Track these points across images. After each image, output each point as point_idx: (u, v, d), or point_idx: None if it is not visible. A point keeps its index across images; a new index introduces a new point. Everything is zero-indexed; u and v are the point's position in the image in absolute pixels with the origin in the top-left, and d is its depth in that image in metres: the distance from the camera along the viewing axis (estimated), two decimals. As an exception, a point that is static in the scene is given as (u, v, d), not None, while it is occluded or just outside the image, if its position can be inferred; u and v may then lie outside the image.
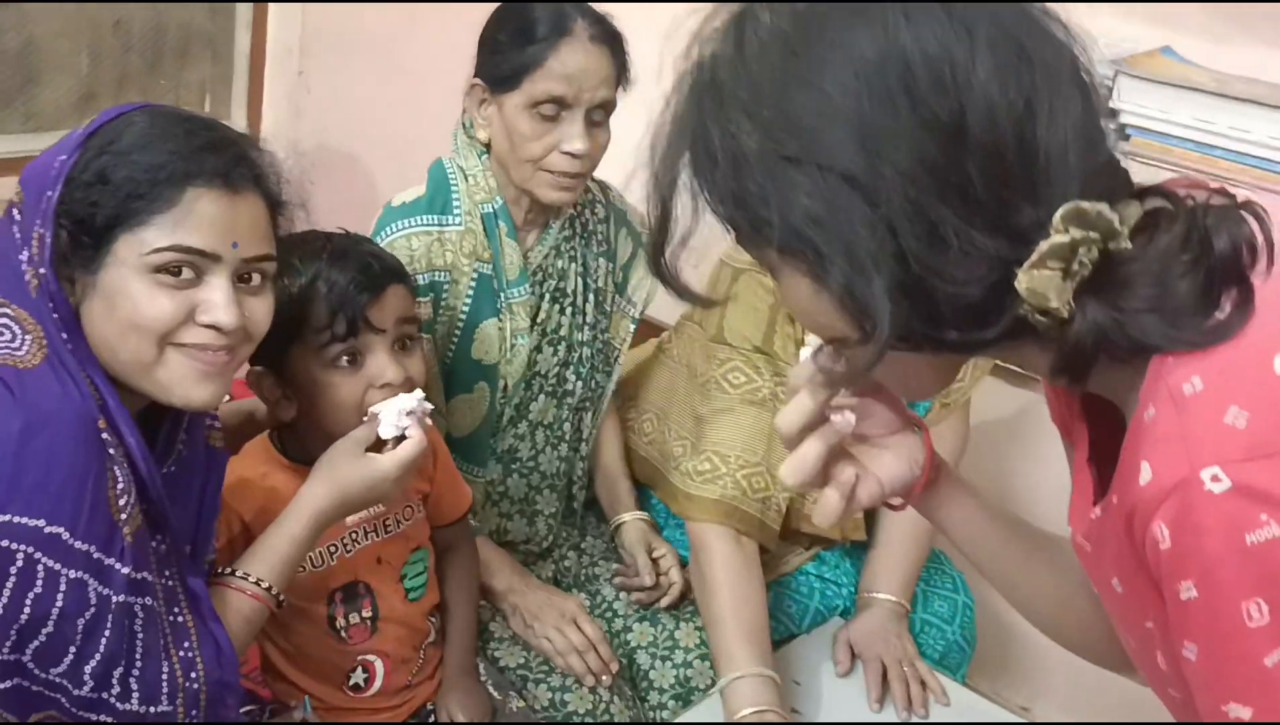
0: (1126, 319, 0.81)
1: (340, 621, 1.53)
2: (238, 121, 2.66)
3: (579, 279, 1.84)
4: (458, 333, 1.75)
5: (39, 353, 1.12)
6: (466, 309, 1.75)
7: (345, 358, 1.42)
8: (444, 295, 1.73)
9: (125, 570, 1.11)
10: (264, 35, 2.63)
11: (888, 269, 0.80)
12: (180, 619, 1.20)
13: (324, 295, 1.40)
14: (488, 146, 1.74)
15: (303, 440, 1.49)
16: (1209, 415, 0.78)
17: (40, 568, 1.06)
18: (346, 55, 2.64)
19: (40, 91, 2.33)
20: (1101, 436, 0.94)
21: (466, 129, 1.77)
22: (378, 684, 1.57)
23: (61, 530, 1.07)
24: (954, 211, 0.79)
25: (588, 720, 1.66)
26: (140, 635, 1.13)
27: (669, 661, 1.78)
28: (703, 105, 0.86)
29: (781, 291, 0.90)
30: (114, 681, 1.12)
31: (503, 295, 1.76)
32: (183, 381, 1.17)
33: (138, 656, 1.13)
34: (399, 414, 1.39)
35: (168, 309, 1.14)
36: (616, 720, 1.67)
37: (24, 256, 1.14)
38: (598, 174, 1.79)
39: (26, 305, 1.14)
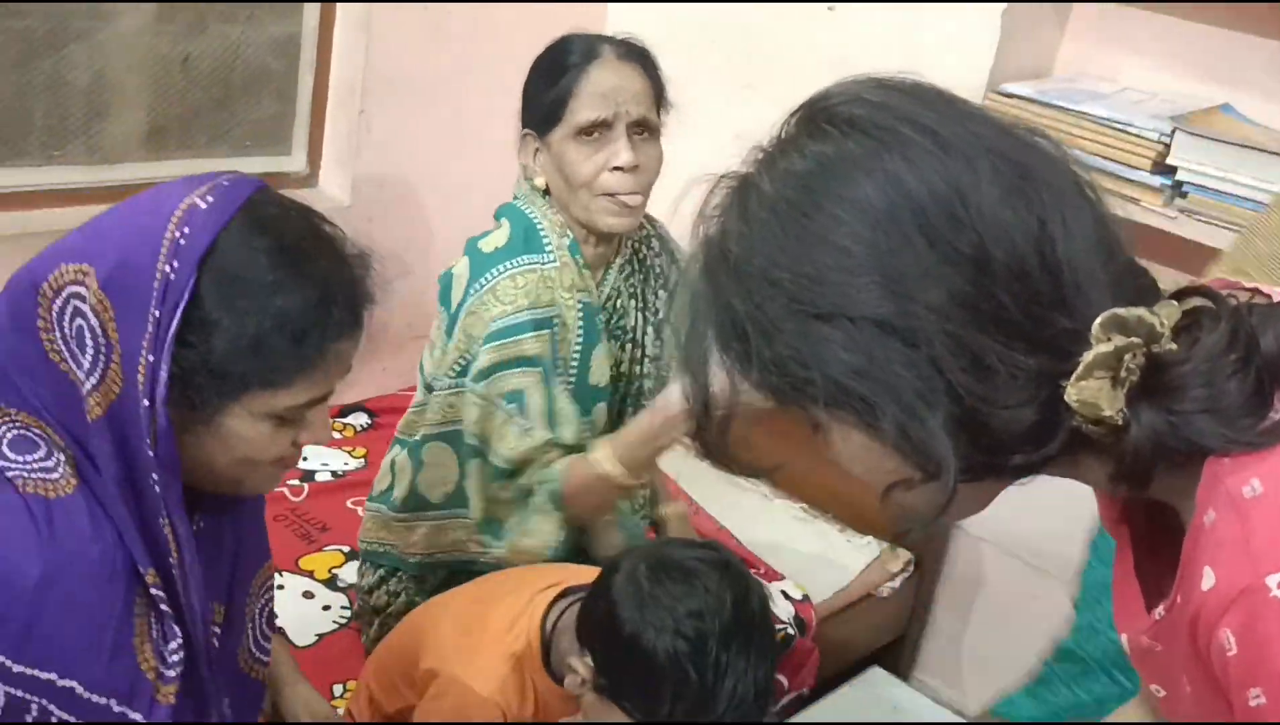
0: (1181, 422, 0.80)
1: None
2: (298, 159, 2.71)
3: (639, 314, 1.87)
4: (574, 364, 1.78)
5: (72, 479, 1.05)
6: (580, 340, 1.78)
7: None
8: (555, 329, 1.74)
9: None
10: (327, 75, 2.68)
11: (939, 405, 0.80)
12: None
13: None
14: (546, 192, 1.78)
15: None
16: (1272, 519, 0.77)
17: (54, 719, 1.03)
18: (407, 95, 2.68)
19: (107, 125, 2.39)
20: (1154, 536, 0.93)
21: (527, 181, 1.80)
22: None
23: (75, 685, 1.03)
24: (992, 338, 0.80)
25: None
26: None
27: None
28: (720, 281, 0.86)
29: (834, 448, 0.89)
30: None
31: (598, 318, 1.80)
32: (267, 482, 1.19)
33: None
34: None
35: (282, 445, 1.12)
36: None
37: (86, 372, 1.03)
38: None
39: (68, 425, 1.06)
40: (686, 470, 2.61)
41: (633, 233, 1.84)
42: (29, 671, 1.01)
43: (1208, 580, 0.79)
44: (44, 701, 1.02)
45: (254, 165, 2.65)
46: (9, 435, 1.06)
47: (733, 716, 1.33)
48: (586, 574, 1.55)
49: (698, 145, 2.62)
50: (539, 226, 1.78)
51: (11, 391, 1.07)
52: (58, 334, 1.04)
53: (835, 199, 0.82)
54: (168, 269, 1.02)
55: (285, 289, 1.05)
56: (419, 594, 1.83)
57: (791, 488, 2.52)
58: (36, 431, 1.06)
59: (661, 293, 1.90)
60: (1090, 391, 0.79)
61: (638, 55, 1.74)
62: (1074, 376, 0.79)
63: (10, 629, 1.01)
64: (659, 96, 1.75)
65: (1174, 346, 0.80)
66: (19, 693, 1.01)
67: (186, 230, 1.03)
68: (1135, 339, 0.79)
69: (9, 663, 1.01)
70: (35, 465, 1.04)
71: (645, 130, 1.73)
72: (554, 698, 1.49)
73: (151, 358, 1.02)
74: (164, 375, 1.02)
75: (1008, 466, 0.84)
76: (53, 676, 1.02)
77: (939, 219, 0.80)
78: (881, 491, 0.89)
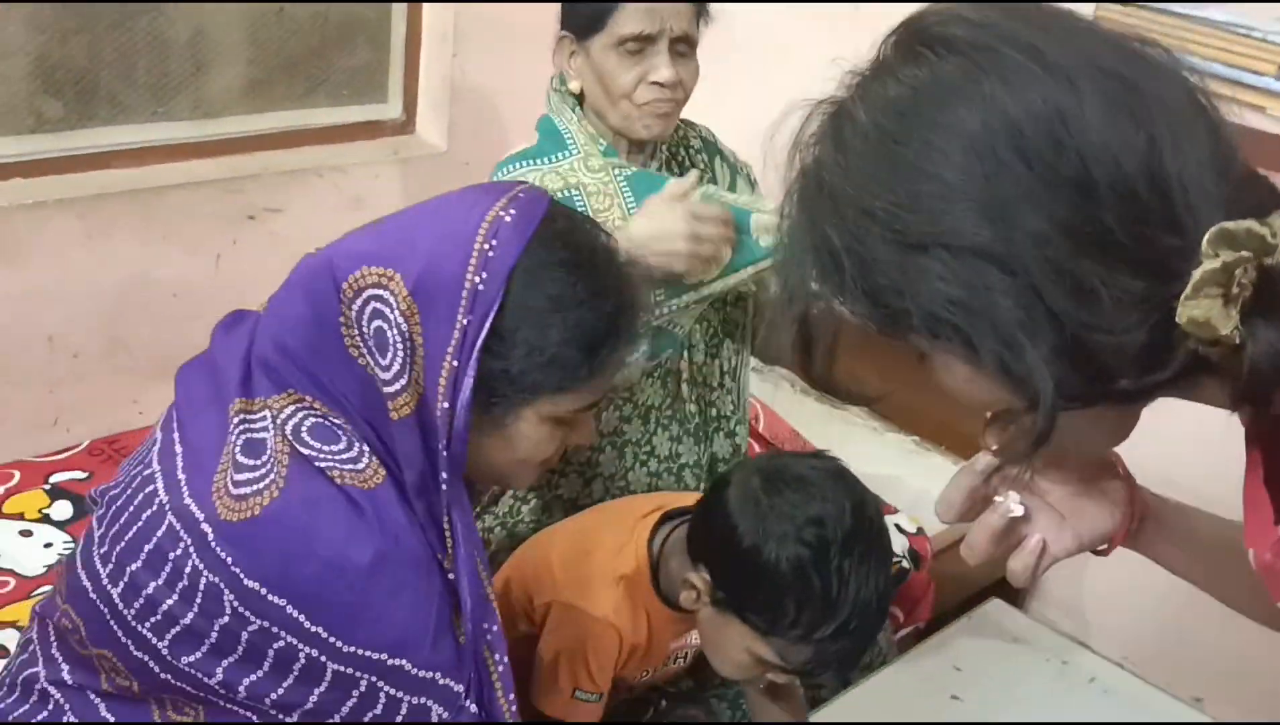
0: None
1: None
2: (394, 106, 2.72)
3: None
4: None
5: (379, 471, 1.08)
6: (631, 204, 1.72)
7: None
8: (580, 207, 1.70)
9: (470, 706, 1.11)
10: (419, 20, 2.68)
11: (1041, 334, 0.77)
12: None
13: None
14: (579, 98, 1.77)
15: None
16: None
17: (382, 694, 1.07)
18: (499, 38, 2.67)
19: (208, 79, 2.42)
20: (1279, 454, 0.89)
21: (558, 86, 1.79)
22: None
23: (404, 662, 1.06)
24: (1096, 261, 0.76)
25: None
26: None
27: None
28: (817, 212, 0.84)
29: (937, 375, 0.87)
30: None
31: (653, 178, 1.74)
32: (531, 478, 1.23)
33: None
34: None
35: (556, 445, 1.17)
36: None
37: (394, 374, 1.06)
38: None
39: (369, 419, 1.09)
40: (794, 404, 2.59)
41: (668, 138, 1.82)
42: (360, 651, 1.05)
43: None
44: (373, 678, 1.06)
45: (352, 114, 2.67)
46: (308, 422, 1.09)
47: (856, 623, 1.33)
48: (686, 499, 1.56)
49: (796, 68, 2.59)
50: (566, 135, 1.77)
51: (308, 380, 1.10)
52: (356, 334, 1.08)
53: (931, 125, 0.79)
54: (477, 280, 1.06)
55: (583, 303, 1.10)
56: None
57: (899, 415, 2.48)
58: (335, 421, 1.09)
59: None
60: (1202, 310, 0.75)
61: None
62: (1183, 296, 0.76)
63: (339, 612, 1.04)
64: (701, 11, 1.74)
65: None
66: (348, 669, 1.05)
67: (494, 243, 1.07)
68: (1245, 252, 0.75)
69: (341, 644, 1.04)
70: (342, 456, 1.08)
71: (686, 44, 1.72)
72: (664, 620, 1.50)
73: (456, 363, 1.06)
74: (469, 381, 1.06)
75: (1120, 392, 0.81)
76: (384, 656, 1.06)
77: (1038, 142, 0.76)
78: (988, 420, 0.87)
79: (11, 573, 1.91)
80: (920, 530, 2.18)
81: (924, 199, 0.79)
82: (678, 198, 1.59)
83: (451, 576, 1.11)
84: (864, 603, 1.33)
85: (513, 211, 1.09)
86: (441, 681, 1.08)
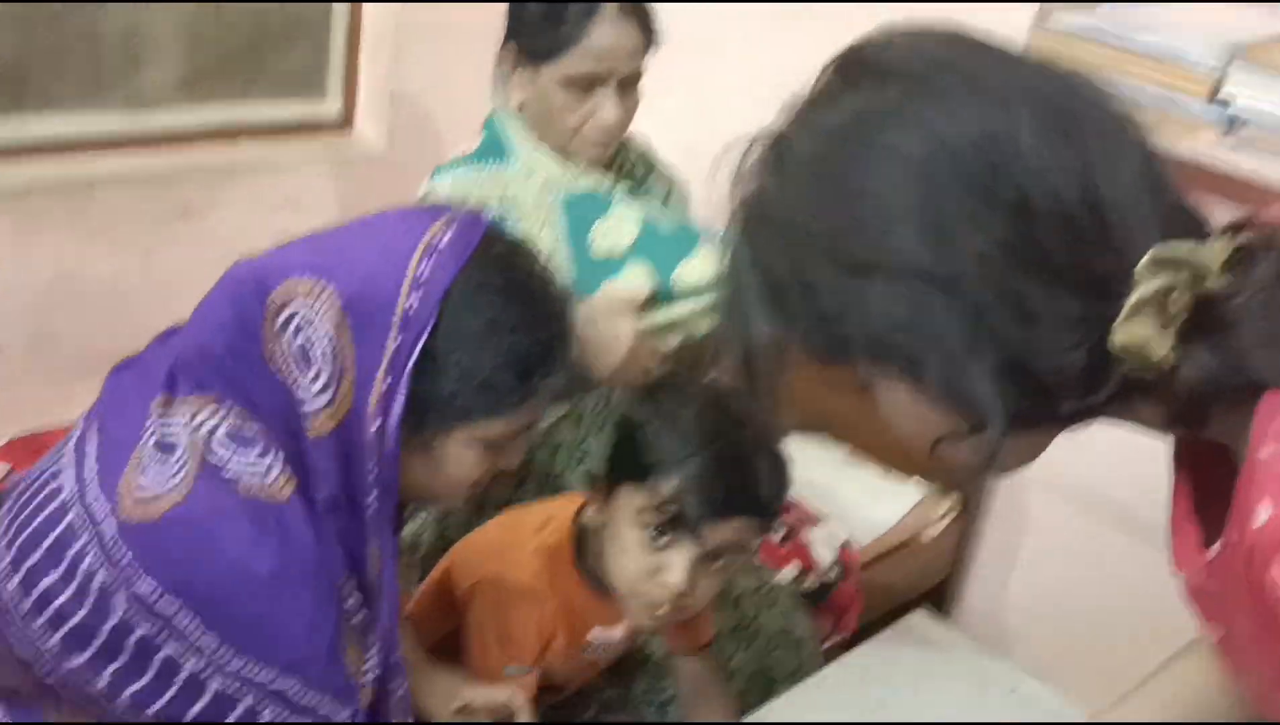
0: (1234, 357, 0.78)
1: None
2: (333, 106, 2.70)
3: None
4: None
5: (289, 484, 1.07)
6: (564, 227, 1.71)
7: (654, 532, 1.36)
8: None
9: None
10: (360, 20, 2.66)
11: (984, 355, 0.79)
12: None
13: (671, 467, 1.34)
14: (520, 108, 1.77)
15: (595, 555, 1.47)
16: None
17: (263, 716, 1.05)
18: (442, 41, 2.66)
19: (143, 74, 2.38)
20: (1207, 479, 0.91)
21: (498, 90, 1.79)
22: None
23: (293, 684, 1.04)
24: (1036, 283, 0.78)
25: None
26: None
27: (751, 648, 1.77)
28: (758, 241, 0.85)
29: (879, 406, 0.87)
30: None
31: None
32: (459, 499, 1.21)
33: None
34: None
35: (485, 468, 1.16)
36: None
37: (317, 390, 1.05)
38: None
39: (283, 431, 1.07)
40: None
41: None
42: (246, 669, 1.03)
43: (1261, 517, 0.76)
44: (255, 698, 1.03)
45: (290, 111, 2.64)
46: (223, 427, 1.07)
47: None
48: None
49: (737, 77, 2.61)
50: (509, 144, 1.75)
51: (227, 385, 1.08)
52: (278, 346, 1.06)
53: (870, 150, 0.80)
54: (411, 302, 1.05)
55: (517, 329, 1.10)
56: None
57: (839, 443, 2.50)
58: (251, 429, 1.07)
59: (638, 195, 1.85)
60: (1138, 333, 0.77)
61: (637, 11, 1.72)
62: (1119, 319, 0.77)
63: (234, 623, 1.02)
64: (649, 44, 1.74)
65: (1223, 282, 0.78)
66: (230, 687, 1.03)
67: (428, 265, 1.06)
68: (1181, 275, 0.76)
69: (228, 658, 1.02)
70: (252, 467, 1.06)
71: (632, 80, 1.73)
72: (585, 600, 1.47)
73: (388, 383, 1.04)
74: (400, 401, 1.05)
75: (1058, 414, 0.82)
76: (273, 675, 1.03)
77: (976, 166, 0.78)
78: (929, 444, 0.87)
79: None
80: (848, 542, 2.20)
81: (865, 222, 0.80)
82: (628, 310, 1.57)
83: (351, 601, 1.09)
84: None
85: (450, 233, 1.08)
86: (325, 709, 1.06)
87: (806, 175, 0.83)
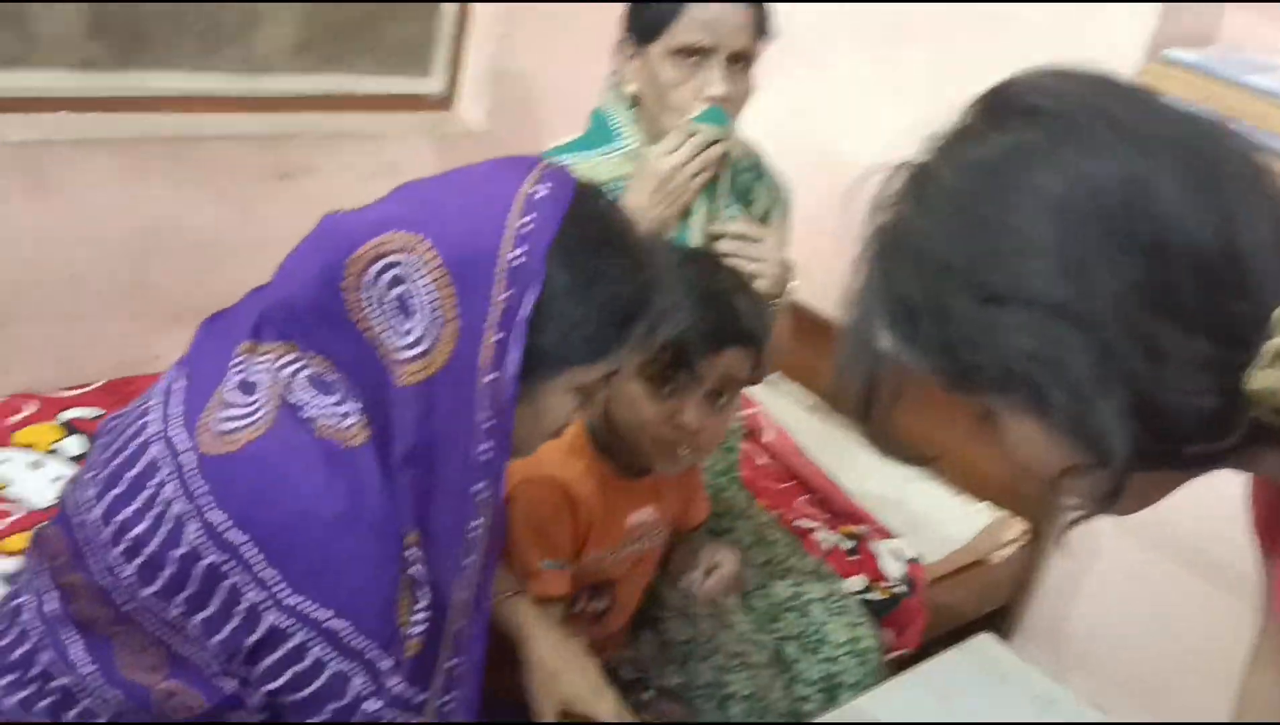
0: None
1: (578, 607, 1.58)
2: (437, 81, 2.73)
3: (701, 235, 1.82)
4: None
5: (364, 431, 1.08)
6: None
7: (657, 384, 1.45)
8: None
9: (394, 684, 1.10)
10: (469, 2, 2.69)
11: (1113, 391, 0.80)
12: None
13: (666, 326, 1.39)
14: (635, 101, 1.79)
15: (608, 435, 1.54)
16: None
17: (312, 652, 1.06)
18: (550, 28, 2.68)
19: (257, 35, 2.42)
20: None
21: (615, 85, 1.82)
22: None
23: (345, 625, 1.06)
24: (1170, 325, 0.79)
25: (746, 703, 1.66)
26: None
27: (817, 655, 1.77)
28: (895, 267, 0.87)
29: (1002, 435, 0.88)
30: None
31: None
32: (533, 450, 1.22)
33: None
34: None
35: (573, 414, 1.18)
36: (775, 705, 1.67)
37: (412, 341, 1.06)
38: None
39: (360, 382, 1.08)
40: (800, 421, 2.61)
41: None
42: (302, 605, 1.05)
43: None
44: (306, 635, 1.05)
45: (395, 85, 2.67)
46: (305, 372, 1.10)
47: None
48: None
49: (844, 93, 2.60)
50: (615, 130, 1.79)
51: (309, 336, 1.10)
52: (363, 296, 1.07)
53: (1014, 186, 0.82)
54: (515, 254, 1.06)
55: (616, 278, 1.11)
56: None
57: (940, 471, 2.49)
58: (331, 376, 1.10)
59: (738, 209, 1.86)
60: (1272, 380, 0.77)
61: None
62: (1256, 365, 0.78)
63: (296, 560, 1.04)
64: (761, 26, 1.75)
65: None
66: (285, 622, 1.05)
67: (531, 218, 1.07)
68: None
69: (287, 592, 1.04)
70: (331, 409, 1.08)
71: (741, 60, 1.73)
72: (618, 488, 1.54)
73: (500, 336, 1.06)
74: (516, 354, 1.06)
75: (1184, 456, 0.82)
76: (328, 614, 1.05)
77: (1118, 208, 0.79)
78: (1050, 478, 0.88)
79: (18, 503, 1.93)
80: (917, 558, 2.20)
81: (1004, 255, 0.81)
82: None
83: (411, 552, 1.10)
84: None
85: (546, 186, 1.10)
86: (370, 655, 1.07)
87: (948, 206, 0.84)
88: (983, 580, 2.36)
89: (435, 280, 1.05)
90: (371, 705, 1.08)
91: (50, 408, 2.16)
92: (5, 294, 2.19)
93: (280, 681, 1.07)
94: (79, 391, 2.24)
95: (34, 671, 1.16)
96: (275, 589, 1.04)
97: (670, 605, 1.77)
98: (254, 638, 1.05)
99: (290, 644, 1.05)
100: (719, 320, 1.44)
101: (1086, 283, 0.79)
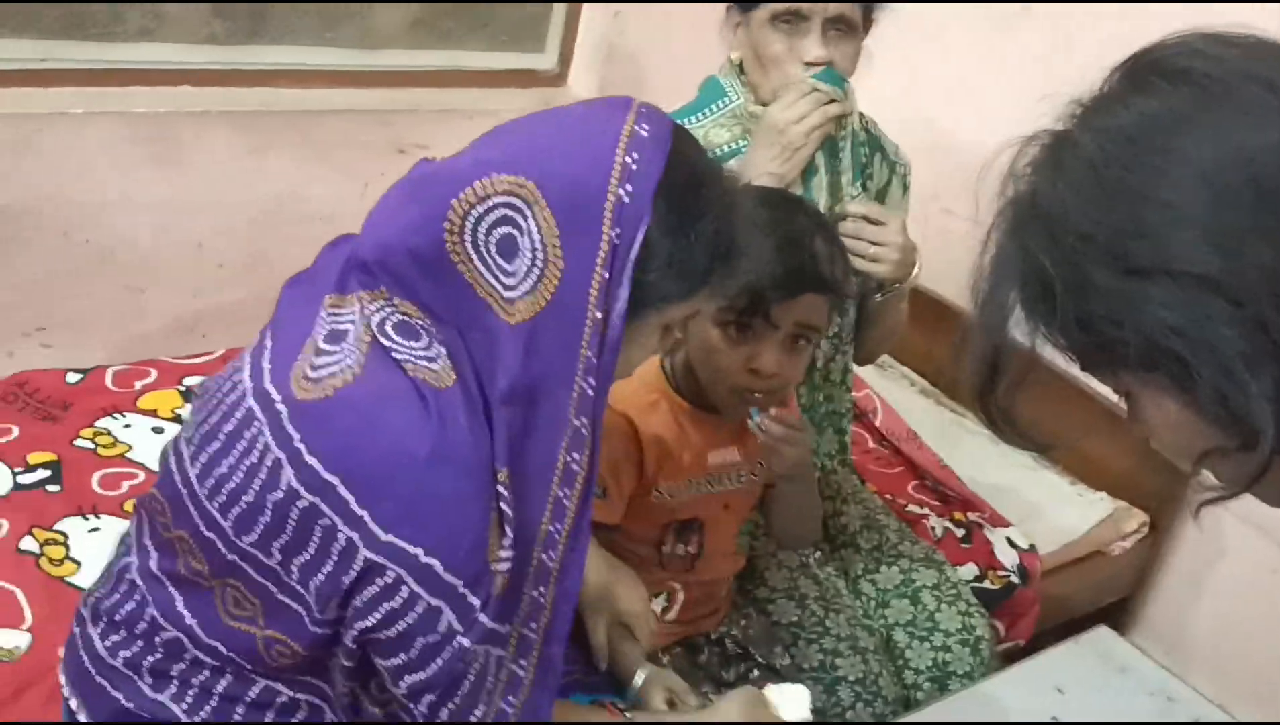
0: None
1: (667, 549, 1.57)
2: (550, 58, 2.73)
3: (827, 195, 1.80)
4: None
5: (451, 373, 1.09)
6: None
7: (734, 329, 1.45)
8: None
9: (483, 619, 1.10)
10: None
11: (1263, 369, 0.75)
12: (521, 673, 1.20)
13: (747, 267, 1.37)
14: (741, 69, 1.78)
15: (686, 376, 1.54)
16: None
17: (404, 588, 1.07)
18: (661, 5, 2.66)
19: (375, 11, 2.45)
20: None
21: (725, 66, 1.82)
22: (674, 612, 1.60)
23: (436, 562, 1.07)
24: None
25: (855, 687, 1.64)
26: (470, 678, 1.13)
27: (927, 643, 1.73)
28: (1029, 239, 0.83)
29: (1140, 412, 0.85)
30: (424, 701, 1.13)
31: None
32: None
33: (459, 693, 1.13)
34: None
35: (659, 350, 1.21)
36: (884, 692, 1.64)
37: (518, 280, 1.07)
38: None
39: (455, 322, 1.09)
40: (915, 406, 2.57)
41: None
42: (398, 542, 1.06)
43: None
44: (402, 572, 1.07)
45: (507, 61, 2.69)
46: (393, 319, 1.11)
47: None
48: None
49: (959, 70, 2.54)
50: (727, 94, 1.78)
51: (401, 281, 1.11)
52: (468, 239, 1.08)
53: (1161, 152, 0.78)
54: (622, 193, 1.07)
55: (711, 216, 1.12)
56: None
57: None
58: (418, 321, 1.11)
59: (856, 187, 1.83)
60: None
61: None
62: None
63: (391, 501, 1.06)
64: None
65: None
66: (380, 559, 1.06)
67: (636, 157, 1.08)
68: None
69: (380, 531, 1.06)
70: (420, 353, 1.09)
71: (843, 25, 1.70)
72: (698, 424, 1.54)
73: (607, 275, 1.07)
74: (624, 292, 1.08)
75: None
76: (420, 552, 1.06)
77: (1272, 174, 0.75)
78: (1192, 460, 0.84)
79: (142, 466, 1.98)
80: (1032, 547, 2.15)
81: (1150, 225, 0.77)
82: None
83: (500, 489, 1.10)
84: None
85: (646, 127, 1.10)
86: (461, 590, 1.08)
87: (1089, 176, 0.80)
88: (1099, 573, 2.29)
89: (542, 221, 1.06)
90: (461, 641, 1.09)
91: (172, 374, 2.21)
92: (134, 262, 2.25)
93: (373, 619, 1.08)
94: (200, 360, 2.29)
95: (140, 628, 1.20)
96: (369, 527, 1.05)
97: (777, 587, 1.76)
98: (350, 576, 1.07)
99: (383, 581, 1.06)
100: (797, 265, 1.43)
101: (1237, 255, 0.75)
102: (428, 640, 1.09)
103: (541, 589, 1.18)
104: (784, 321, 1.44)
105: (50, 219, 2.20)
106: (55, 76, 2.16)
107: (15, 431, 1.99)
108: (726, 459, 1.57)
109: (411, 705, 1.12)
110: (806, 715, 1.42)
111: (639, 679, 1.45)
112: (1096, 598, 2.32)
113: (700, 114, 1.79)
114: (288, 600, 1.12)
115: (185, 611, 1.18)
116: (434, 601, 1.07)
